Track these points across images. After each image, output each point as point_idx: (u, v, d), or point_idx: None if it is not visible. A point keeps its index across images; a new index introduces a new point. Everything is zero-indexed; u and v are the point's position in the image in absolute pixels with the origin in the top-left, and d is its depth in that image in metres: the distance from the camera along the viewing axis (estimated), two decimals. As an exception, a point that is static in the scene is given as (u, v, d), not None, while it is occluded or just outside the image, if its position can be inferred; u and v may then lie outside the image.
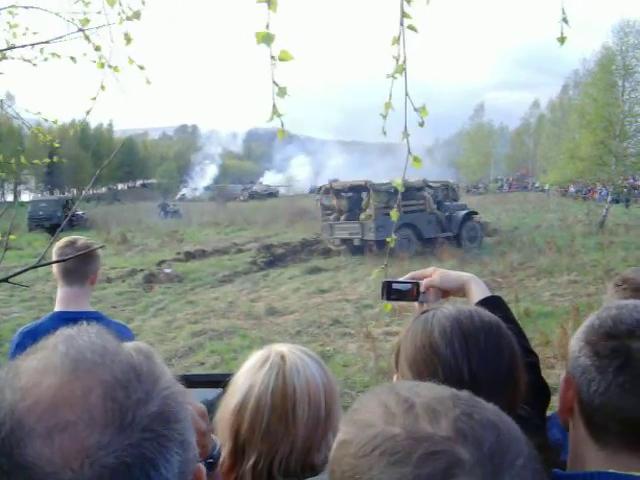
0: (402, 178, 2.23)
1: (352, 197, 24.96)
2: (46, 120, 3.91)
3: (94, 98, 3.03)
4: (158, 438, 0.70)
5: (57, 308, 3.39)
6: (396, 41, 1.58)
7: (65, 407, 0.67)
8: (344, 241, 23.99)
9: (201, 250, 25.20)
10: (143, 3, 2.87)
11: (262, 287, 17.73)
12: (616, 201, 37.20)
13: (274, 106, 1.56)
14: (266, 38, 1.50)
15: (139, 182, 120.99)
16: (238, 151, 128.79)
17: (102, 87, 3.05)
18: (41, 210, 39.99)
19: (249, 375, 1.71)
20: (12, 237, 2.46)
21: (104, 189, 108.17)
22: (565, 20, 1.80)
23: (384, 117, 1.79)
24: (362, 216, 23.35)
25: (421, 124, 1.84)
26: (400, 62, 1.61)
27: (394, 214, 2.39)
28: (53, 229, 33.06)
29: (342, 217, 24.32)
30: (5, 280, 1.88)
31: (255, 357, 1.78)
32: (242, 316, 13.70)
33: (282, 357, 1.72)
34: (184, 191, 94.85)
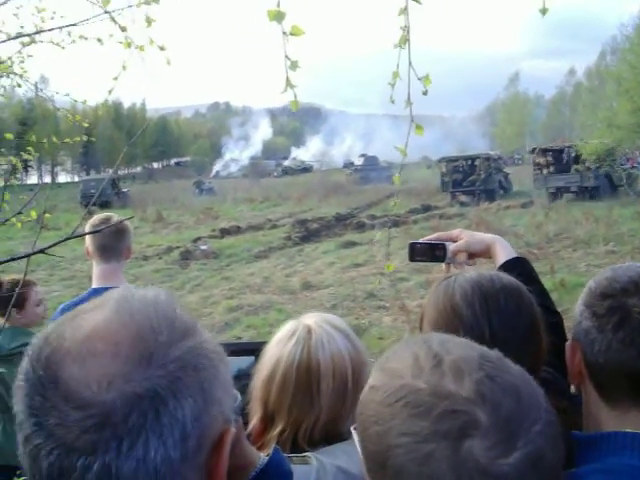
0: (406, 145, 2.24)
1: (556, 156, 31.40)
2: (75, 101, 3.96)
3: (116, 78, 3.06)
4: (173, 380, 0.76)
5: (94, 284, 3.45)
6: (403, 12, 1.59)
7: (99, 338, 0.77)
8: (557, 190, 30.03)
9: (236, 226, 25.32)
10: None
11: (297, 262, 17.78)
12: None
13: (287, 79, 1.60)
14: (277, 15, 1.55)
15: (173, 161, 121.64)
16: (269, 128, 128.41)
17: (124, 67, 3.08)
18: (92, 188, 42.43)
19: (277, 348, 1.74)
20: (47, 215, 2.50)
21: (139, 168, 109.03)
22: None
23: (392, 86, 1.80)
24: (577, 168, 29.29)
25: (424, 92, 1.85)
26: (405, 32, 1.62)
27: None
28: (103, 206, 35.71)
29: (546, 171, 30.87)
30: (41, 251, 1.94)
31: (284, 329, 1.80)
32: (277, 291, 13.78)
33: (309, 331, 1.73)
34: (218, 168, 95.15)
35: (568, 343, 1.42)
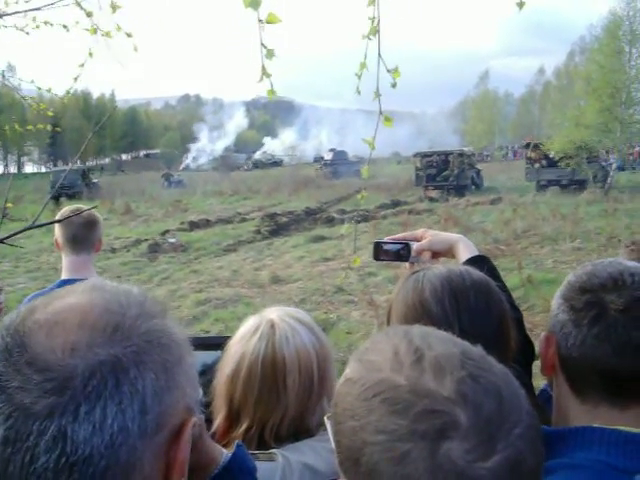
0: (374, 138, 2.27)
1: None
2: (40, 89, 3.89)
3: (82, 65, 3.01)
4: (137, 351, 0.78)
5: (64, 276, 3.39)
6: (372, 2, 1.58)
7: (69, 310, 0.80)
8: (548, 182, 32.32)
9: (205, 219, 25.19)
10: None
11: (266, 256, 17.73)
12: (621, 168, 37.01)
13: (263, 67, 1.58)
14: (253, 2, 1.52)
15: (142, 152, 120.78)
16: (241, 121, 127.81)
17: (90, 54, 3.03)
18: (63, 179, 42.29)
19: (241, 344, 1.72)
20: (9, 205, 2.45)
21: (107, 159, 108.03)
22: None
23: (358, 77, 1.80)
24: (567, 164, 30.91)
25: (393, 85, 1.85)
26: (374, 24, 1.61)
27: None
28: (73, 196, 37.00)
29: (538, 165, 33.54)
30: (0, 241, 1.90)
31: (247, 325, 1.78)
32: (246, 284, 13.73)
33: (272, 325, 1.72)
34: (188, 160, 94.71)
35: (543, 334, 1.43)
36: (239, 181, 49.81)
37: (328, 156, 59.43)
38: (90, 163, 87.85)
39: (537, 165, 33.59)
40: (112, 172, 78.71)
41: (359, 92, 1.85)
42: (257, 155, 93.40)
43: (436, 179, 34.04)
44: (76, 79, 3.15)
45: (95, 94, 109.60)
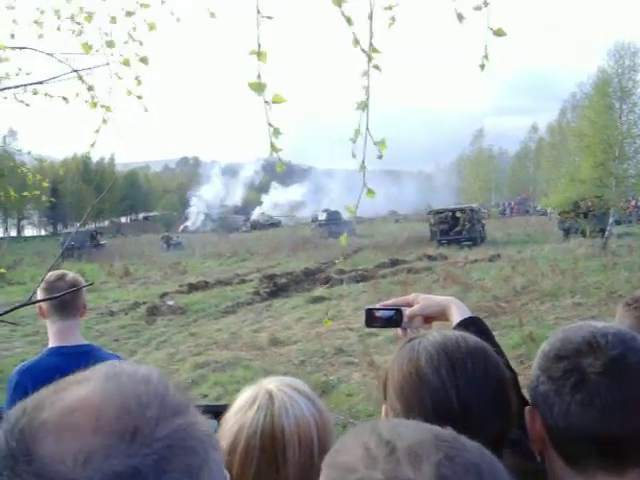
0: (356, 207, 2.32)
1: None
2: (38, 159, 3.92)
3: (97, 131, 3.05)
4: (158, 459, 0.70)
5: (53, 343, 3.36)
6: (365, 73, 1.62)
7: (80, 411, 0.71)
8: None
9: (204, 281, 25.16)
10: (141, 44, 2.90)
11: (265, 317, 17.66)
12: (618, 222, 37.22)
13: (272, 144, 1.63)
14: (258, 87, 1.59)
15: (142, 215, 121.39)
16: (239, 183, 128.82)
17: (104, 120, 3.08)
18: (72, 240, 44.44)
19: (238, 416, 1.68)
20: (1, 271, 2.44)
21: (107, 222, 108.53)
22: (486, 57, 1.91)
23: (353, 141, 1.83)
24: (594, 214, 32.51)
25: (379, 157, 1.89)
26: (364, 99, 1.67)
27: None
28: (80, 257, 39.09)
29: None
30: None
31: (244, 396, 1.74)
32: (245, 347, 13.62)
33: (270, 397, 1.68)
34: (187, 223, 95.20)
35: (527, 409, 1.40)
36: (237, 242, 49.97)
37: (322, 216, 59.98)
38: (89, 226, 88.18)
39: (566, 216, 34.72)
40: (111, 235, 78.93)
41: (354, 156, 1.89)
42: (255, 216, 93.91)
43: (449, 233, 37.01)
44: (92, 145, 3.19)
45: (95, 158, 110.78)
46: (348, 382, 10.38)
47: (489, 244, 35.49)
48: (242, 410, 1.68)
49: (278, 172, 1.84)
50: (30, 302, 2.85)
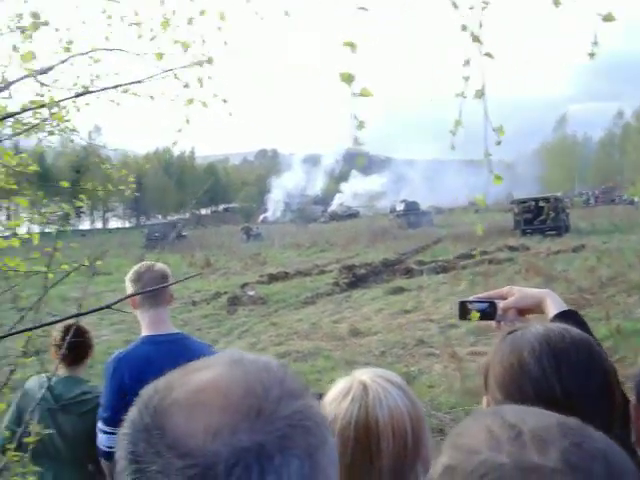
0: (484, 195, 2.26)
1: None
2: (127, 154, 4.02)
3: (180, 130, 3.12)
4: (281, 436, 0.74)
5: (146, 332, 3.47)
6: (467, 63, 1.60)
7: (209, 391, 0.77)
8: None
9: (283, 272, 25.38)
10: (225, 43, 2.94)
11: (345, 308, 17.67)
12: None
13: (355, 138, 1.63)
14: (348, 78, 1.60)
15: (222, 206, 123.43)
16: (317, 174, 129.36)
17: (187, 120, 3.14)
18: (156, 232, 47.55)
19: (332, 407, 1.68)
20: (98, 263, 2.52)
21: (188, 214, 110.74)
22: (596, 44, 1.88)
23: (453, 134, 1.80)
24: None
25: (498, 143, 1.85)
26: (480, 87, 1.63)
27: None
28: (163, 248, 38.53)
29: None
30: (107, 307, 2.00)
31: (338, 387, 1.74)
32: (325, 337, 13.67)
33: (364, 388, 1.68)
34: (266, 214, 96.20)
35: (632, 405, 1.34)
36: (316, 233, 50.21)
37: (400, 207, 59.71)
38: (171, 218, 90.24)
39: None
40: (192, 226, 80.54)
41: (453, 147, 1.86)
42: (334, 207, 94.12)
43: (533, 223, 36.94)
44: (175, 144, 3.28)
45: (175, 152, 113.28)
46: (429, 373, 10.30)
47: (573, 234, 34.71)
48: (336, 401, 1.69)
49: (358, 165, 1.85)
50: (139, 292, 2.94)
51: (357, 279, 22.44)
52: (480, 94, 1.71)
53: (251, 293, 20.38)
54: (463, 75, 1.63)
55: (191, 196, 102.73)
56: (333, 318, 16.15)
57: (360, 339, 13.29)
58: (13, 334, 2.29)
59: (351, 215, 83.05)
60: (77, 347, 3.46)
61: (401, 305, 16.91)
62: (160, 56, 2.80)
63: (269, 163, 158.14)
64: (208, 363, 0.83)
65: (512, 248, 28.66)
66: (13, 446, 2.69)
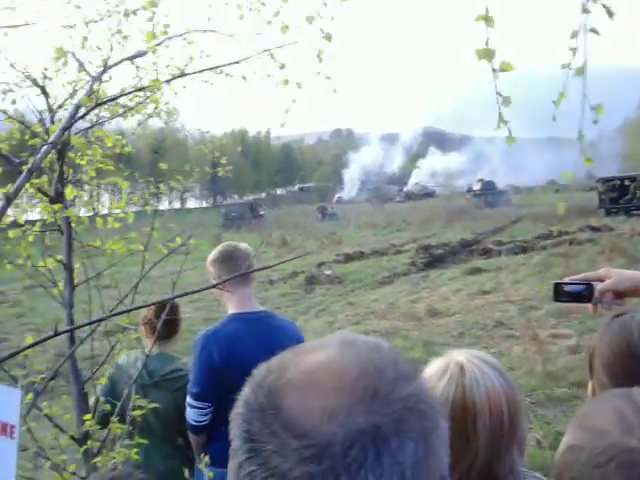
0: (570, 173, 2.22)
1: None
2: (207, 132, 4.09)
3: (287, 111, 3.16)
4: (397, 419, 0.73)
5: (233, 310, 3.55)
6: (575, 35, 1.55)
7: (322, 371, 0.76)
8: None
9: (359, 252, 25.37)
10: (332, 18, 2.94)
11: (422, 288, 17.57)
12: None
13: (500, 115, 1.60)
14: (487, 54, 1.57)
15: (297, 186, 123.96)
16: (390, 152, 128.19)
17: (293, 100, 3.16)
18: (233, 212, 48.91)
19: None
20: (191, 242, 2.59)
21: (263, 194, 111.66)
22: None
23: (556, 105, 1.75)
24: None
25: (595, 122, 1.79)
26: (581, 64, 1.58)
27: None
28: (240, 227, 41.42)
29: None
30: (214, 286, 2.05)
31: (433, 367, 1.75)
32: (403, 317, 13.63)
33: (461, 368, 1.68)
34: (341, 194, 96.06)
35: None
36: (392, 213, 49.91)
37: (476, 186, 58.81)
38: (247, 198, 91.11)
39: None
40: (268, 206, 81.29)
41: (554, 119, 1.81)
42: (410, 186, 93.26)
43: (619, 202, 36.17)
44: (283, 125, 3.30)
45: (251, 132, 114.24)
46: (509, 355, 10.16)
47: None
48: (432, 381, 1.69)
49: (508, 143, 1.80)
50: (236, 275, 3.01)
51: (434, 259, 22.28)
52: (581, 71, 1.66)
53: (328, 272, 20.48)
54: (570, 46, 1.58)
55: (267, 176, 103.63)
56: (410, 298, 16.08)
57: (438, 319, 13.21)
58: (115, 315, 2.36)
59: (427, 194, 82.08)
60: (169, 324, 3.56)
61: (479, 286, 16.71)
62: (285, 29, 2.83)
63: (344, 142, 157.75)
64: (320, 345, 0.83)
65: (594, 228, 27.86)
66: (115, 418, 2.80)
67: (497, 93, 1.57)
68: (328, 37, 2.80)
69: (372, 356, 0.79)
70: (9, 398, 1.36)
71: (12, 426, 1.36)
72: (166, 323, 3.36)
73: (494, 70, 1.53)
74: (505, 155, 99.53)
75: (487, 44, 1.52)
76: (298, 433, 0.70)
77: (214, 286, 2.21)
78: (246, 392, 0.79)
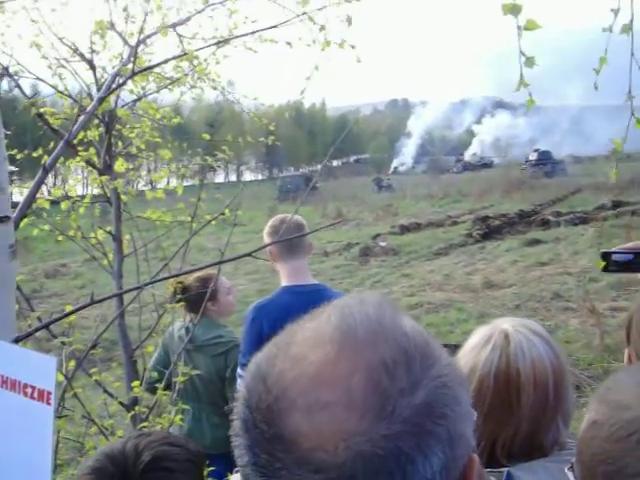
0: (624, 140, 2.13)
1: None
2: (263, 105, 4.09)
3: (308, 78, 3.12)
4: (419, 433, 0.66)
5: (285, 282, 3.55)
6: None
7: (327, 385, 0.66)
8: None
9: (415, 223, 25.23)
10: None
11: (478, 260, 17.38)
12: None
13: (521, 76, 1.53)
14: (514, 9, 1.50)
15: (352, 158, 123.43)
16: (447, 122, 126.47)
17: (316, 67, 3.13)
18: (289, 184, 49.09)
19: (472, 355, 1.66)
20: (239, 213, 2.60)
21: (319, 166, 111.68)
22: None
23: (597, 72, 1.66)
24: None
25: None
26: (627, 21, 1.49)
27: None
28: (295, 199, 39.55)
29: None
30: (248, 255, 2.06)
31: (478, 335, 1.72)
32: (458, 289, 13.55)
33: (506, 336, 1.65)
34: (397, 165, 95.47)
35: None
36: (449, 184, 49.34)
37: (533, 156, 57.65)
38: (303, 170, 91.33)
39: None
40: (323, 178, 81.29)
41: (596, 87, 1.74)
42: (467, 157, 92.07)
43: None
44: (302, 92, 3.28)
45: (306, 104, 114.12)
46: (566, 328, 10.01)
47: None
48: (476, 349, 1.67)
49: (527, 109, 1.73)
50: (275, 242, 3.01)
51: (491, 230, 21.99)
52: (627, 28, 1.58)
53: (383, 244, 20.42)
54: (611, 8, 1.50)
55: (322, 148, 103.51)
56: (466, 270, 15.95)
57: (494, 291, 13.08)
58: (159, 280, 2.39)
59: (485, 165, 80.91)
60: (202, 294, 3.59)
61: (537, 257, 16.44)
62: (305, 2, 2.81)
63: (400, 112, 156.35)
64: (314, 338, 0.72)
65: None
66: (162, 385, 2.85)
67: (520, 52, 1.49)
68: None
69: (377, 347, 0.69)
70: (45, 365, 1.39)
71: (49, 392, 1.39)
72: (199, 293, 3.40)
73: (519, 27, 1.45)
74: (574, 123, 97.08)
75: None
76: (314, 468, 0.64)
77: (247, 255, 2.20)
78: (242, 409, 0.72)
